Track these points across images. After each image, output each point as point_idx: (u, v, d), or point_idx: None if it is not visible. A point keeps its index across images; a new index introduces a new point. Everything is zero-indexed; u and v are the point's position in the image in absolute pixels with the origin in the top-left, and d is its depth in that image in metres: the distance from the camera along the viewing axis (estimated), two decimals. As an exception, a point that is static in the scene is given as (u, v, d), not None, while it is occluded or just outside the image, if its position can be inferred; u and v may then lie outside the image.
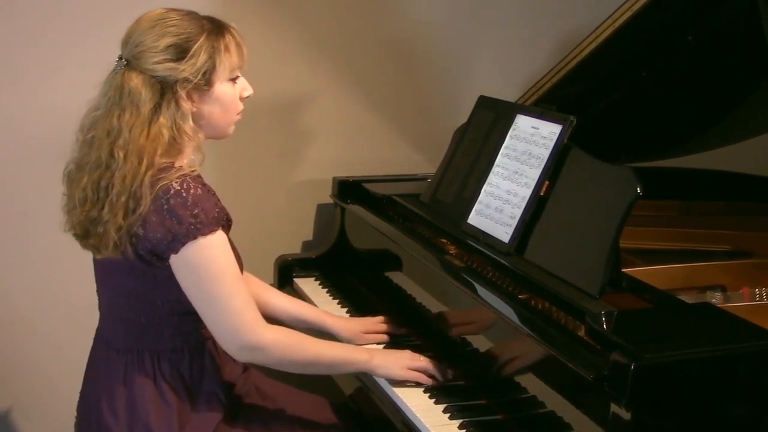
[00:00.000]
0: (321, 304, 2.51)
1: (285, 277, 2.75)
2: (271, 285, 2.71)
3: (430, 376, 2.04)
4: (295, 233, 2.99)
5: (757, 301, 2.11)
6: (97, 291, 2.01)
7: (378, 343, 2.28)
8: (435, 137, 2.86)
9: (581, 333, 1.74)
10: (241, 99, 1.94)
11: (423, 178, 2.71)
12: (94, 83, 1.87)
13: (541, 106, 2.27)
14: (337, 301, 2.57)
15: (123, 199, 1.77)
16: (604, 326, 1.68)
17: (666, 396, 1.55)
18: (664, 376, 1.55)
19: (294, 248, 2.96)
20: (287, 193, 2.97)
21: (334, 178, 2.83)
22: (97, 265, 1.96)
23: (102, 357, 1.98)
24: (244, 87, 1.95)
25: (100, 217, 1.80)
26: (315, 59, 2.89)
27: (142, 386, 1.90)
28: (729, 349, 1.61)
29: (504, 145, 2.25)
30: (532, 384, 1.84)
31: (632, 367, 1.51)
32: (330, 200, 2.85)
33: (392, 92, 3.02)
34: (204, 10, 1.92)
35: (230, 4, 2.66)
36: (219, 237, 1.82)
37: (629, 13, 2.21)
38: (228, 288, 1.82)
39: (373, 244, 2.61)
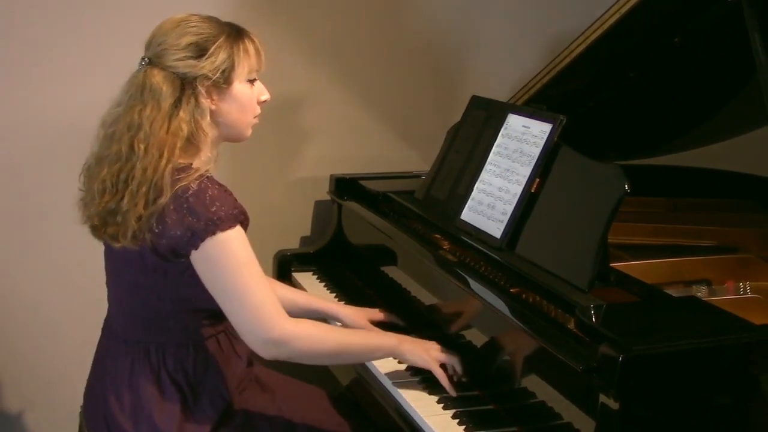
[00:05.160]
0: (318, 298, 2.54)
1: (283, 271, 2.76)
2: (270, 280, 2.75)
3: (454, 372, 2.01)
4: (293, 229, 3.01)
5: (741, 294, 2.11)
6: (107, 283, 2.02)
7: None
8: (429, 136, 2.87)
9: (571, 326, 1.75)
10: (259, 103, 1.98)
11: (417, 176, 2.73)
12: (110, 84, 1.91)
13: (532, 106, 2.30)
14: (334, 294, 2.58)
15: (144, 189, 1.79)
16: (593, 319, 1.69)
17: (653, 387, 1.58)
18: (651, 367, 1.57)
19: (292, 243, 2.97)
20: (286, 190, 2.98)
21: (331, 176, 2.85)
22: (109, 257, 1.98)
23: (110, 348, 2.00)
24: (261, 91, 1.98)
25: (119, 207, 1.81)
26: (313, 60, 2.91)
27: (146, 379, 1.92)
28: (714, 342, 1.63)
29: (496, 143, 2.27)
30: (524, 375, 1.86)
31: (620, 358, 1.53)
32: (327, 197, 2.86)
33: (388, 92, 3.04)
34: (203, 10, 1.95)
35: (230, 5, 2.69)
36: (237, 232, 1.83)
37: (617, 16, 2.23)
38: (248, 281, 1.82)
39: (369, 239, 2.63)
